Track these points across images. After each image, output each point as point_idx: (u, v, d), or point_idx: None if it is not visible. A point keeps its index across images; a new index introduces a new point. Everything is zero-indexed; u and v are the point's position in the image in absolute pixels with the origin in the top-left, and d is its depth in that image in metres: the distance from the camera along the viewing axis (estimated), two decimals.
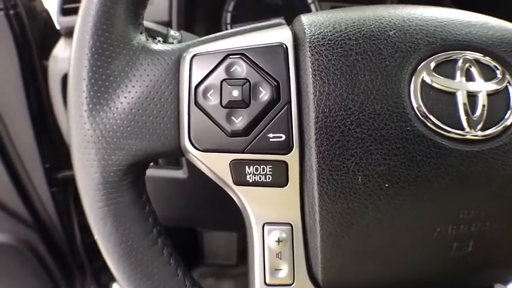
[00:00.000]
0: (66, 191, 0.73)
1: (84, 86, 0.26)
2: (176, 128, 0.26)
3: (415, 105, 0.26)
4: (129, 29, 0.27)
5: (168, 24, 0.50)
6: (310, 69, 0.26)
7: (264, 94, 0.26)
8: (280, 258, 0.27)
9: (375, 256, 0.27)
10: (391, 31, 0.27)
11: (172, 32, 0.38)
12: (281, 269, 0.28)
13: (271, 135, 0.26)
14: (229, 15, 0.61)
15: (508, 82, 0.27)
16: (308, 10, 0.61)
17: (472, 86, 0.27)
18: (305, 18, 0.28)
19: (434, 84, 0.26)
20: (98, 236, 0.27)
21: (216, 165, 0.26)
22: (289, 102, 0.26)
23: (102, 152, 0.26)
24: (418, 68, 0.27)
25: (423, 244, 0.27)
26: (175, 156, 0.27)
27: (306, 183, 0.26)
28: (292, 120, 0.26)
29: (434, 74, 0.27)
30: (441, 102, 0.26)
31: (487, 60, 0.28)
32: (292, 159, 0.26)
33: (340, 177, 0.26)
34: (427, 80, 0.26)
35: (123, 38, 0.27)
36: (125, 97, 0.26)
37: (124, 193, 0.27)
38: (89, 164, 0.26)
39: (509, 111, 0.27)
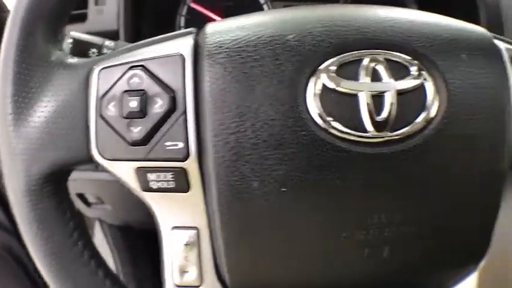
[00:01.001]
0: None
1: (8, 102, 0.28)
2: (85, 139, 0.28)
3: (313, 109, 0.26)
4: (48, 46, 0.29)
5: (116, 33, 0.52)
6: (207, 78, 0.26)
7: (161, 104, 0.27)
8: (188, 261, 0.29)
9: (279, 259, 0.28)
10: (290, 35, 0.27)
11: (107, 43, 0.39)
12: (188, 272, 0.29)
13: (168, 143, 0.27)
14: (183, 19, 0.62)
15: (424, 79, 0.27)
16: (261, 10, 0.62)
17: (377, 86, 0.26)
18: (210, 27, 0.29)
19: (335, 87, 0.26)
20: (26, 239, 0.29)
21: (122, 173, 0.28)
22: (185, 112, 0.27)
23: (25, 163, 0.28)
24: (318, 71, 0.26)
25: (329, 249, 0.28)
26: (89, 164, 0.29)
27: (206, 188, 0.27)
28: (189, 128, 0.27)
29: (335, 76, 0.26)
30: (343, 105, 0.26)
31: (399, 57, 0.27)
32: (190, 165, 0.27)
33: (236, 183, 0.26)
34: (328, 83, 0.26)
35: (43, 55, 0.29)
36: (42, 111, 0.28)
37: (46, 200, 0.28)
38: (15, 174, 0.28)
39: (425, 111, 0.26)
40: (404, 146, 0.26)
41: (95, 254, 0.30)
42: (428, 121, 0.26)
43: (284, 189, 0.26)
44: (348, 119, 0.26)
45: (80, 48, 0.37)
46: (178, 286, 0.29)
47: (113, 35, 0.50)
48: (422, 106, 0.26)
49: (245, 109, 0.26)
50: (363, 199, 0.27)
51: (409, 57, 0.27)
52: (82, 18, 0.53)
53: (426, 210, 0.27)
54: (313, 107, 0.26)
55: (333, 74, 0.26)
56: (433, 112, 0.26)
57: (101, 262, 0.30)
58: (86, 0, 0.53)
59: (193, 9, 0.62)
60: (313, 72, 0.26)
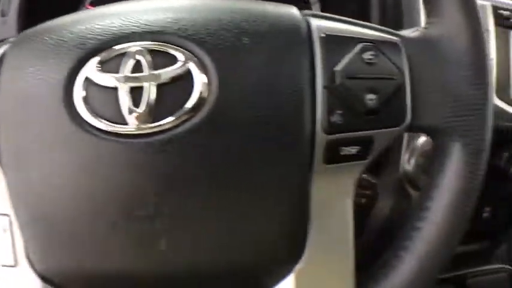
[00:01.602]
0: None
1: None
2: None
3: (75, 104, 0.26)
4: None
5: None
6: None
7: None
8: (5, 245, 0.30)
9: (68, 246, 0.29)
10: (65, 30, 0.28)
11: None
12: (5, 254, 0.30)
13: None
14: None
15: (190, 69, 0.26)
16: None
17: (136, 78, 0.26)
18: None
19: (97, 81, 0.26)
20: None
21: None
22: None
23: None
24: (83, 67, 0.27)
25: (105, 237, 0.28)
26: None
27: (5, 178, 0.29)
28: None
29: (98, 70, 0.26)
30: (104, 99, 0.26)
31: (164, 46, 0.27)
32: None
33: (16, 175, 0.28)
34: (91, 77, 0.26)
35: None
36: None
37: None
38: None
39: (189, 101, 0.26)
40: (170, 136, 0.26)
41: None
42: (196, 110, 0.26)
43: (59, 182, 0.27)
44: (110, 112, 0.26)
45: None
46: (3, 265, 0.31)
47: None
48: (187, 95, 0.26)
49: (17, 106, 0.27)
50: (125, 190, 0.27)
51: (176, 46, 0.27)
52: None
53: (201, 202, 0.27)
54: (80, 103, 0.26)
55: (97, 69, 0.27)
56: (201, 100, 0.27)
57: None
58: None
59: None
60: (78, 67, 0.27)
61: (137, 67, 0.27)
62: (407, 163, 0.62)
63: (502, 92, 0.59)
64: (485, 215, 0.87)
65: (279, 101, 0.28)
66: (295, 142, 0.29)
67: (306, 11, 0.32)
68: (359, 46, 0.30)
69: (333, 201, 0.32)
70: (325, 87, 0.29)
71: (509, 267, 0.96)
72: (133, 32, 0.27)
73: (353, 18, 0.33)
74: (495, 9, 0.56)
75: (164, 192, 0.27)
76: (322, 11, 0.59)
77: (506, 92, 0.60)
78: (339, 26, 0.32)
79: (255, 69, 0.28)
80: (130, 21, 0.28)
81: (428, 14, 0.34)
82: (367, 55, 0.30)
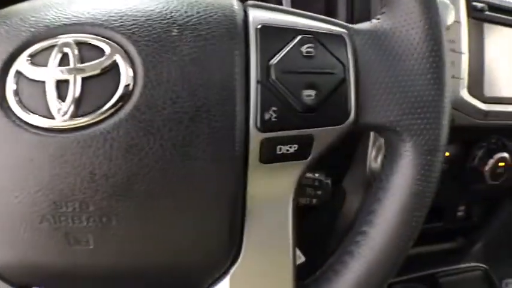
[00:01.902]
0: None
1: None
2: None
3: (7, 97, 0.26)
4: None
5: None
6: None
7: None
8: None
9: (7, 238, 0.28)
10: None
11: None
12: None
13: None
14: None
15: (116, 62, 0.25)
16: None
17: (63, 72, 0.25)
18: None
19: (27, 75, 0.26)
20: None
21: None
22: None
23: None
24: (15, 59, 0.26)
25: (37, 232, 0.27)
26: None
27: None
28: None
29: (29, 63, 0.26)
30: (33, 92, 0.26)
31: (92, 39, 0.26)
32: None
33: None
34: (22, 70, 0.26)
35: None
36: None
37: None
38: None
39: (115, 95, 0.25)
40: (94, 132, 0.25)
41: None
42: (121, 104, 0.25)
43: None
44: (39, 106, 0.25)
45: None
46: None
47: None
48: (114, 90, 0.25)
49: None
50: (49, 185, 0.26)
51: (104, 38, 0.26)
52: None
53: (128, 200, 0.26)
54: (11, 97, 0.26)
55: (28, 62, 0.26)
56: (126, 94, 0.25)
57: None
58: None
59: None
60: (10, 60, 0.26)
61: (66, 60, 0.26)
62: (374, 160, 0.60)
63: (475, 88, 0.57)
64: (459, 213, 0.86)
65: (207, 96, 0.26)
66: (226, 140, 0.27)
67: (249, 2, 0.30)
68: (298, 38, 0.28)
69: (272, 202, 0.29)
70: (259, 82, 0.27)
71: (484, 265, 0.96)
72: (64, 24, 0.26)
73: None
74: (468, 0, 0.53)
75: (89, 190, 0.26)
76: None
77: (479, 88, 0.57)
78: (277, 16, 0.29)
79: (183, 63, 0.26)
80: (62, 13, 0.27)
81: (382, 2, 0.31)
82: (305, 48, 0.28)
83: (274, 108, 0.27)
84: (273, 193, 0.29)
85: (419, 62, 0.29)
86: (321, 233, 0.71)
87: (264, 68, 0.27)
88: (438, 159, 0.30)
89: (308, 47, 0.28)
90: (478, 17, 0.54)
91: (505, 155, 0.67)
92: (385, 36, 0.29)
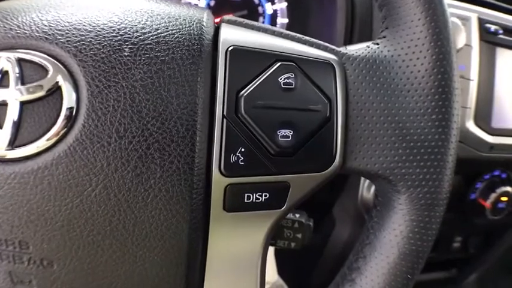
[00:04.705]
0: None
1: None
2: None
3: None
4: None
5: None
6: None
7: None
8: None
9: None
10: None
11: None
12: None
13: None
14: None
15: (59, 84, 0.22)
16: None
17: (3, 94, 0.21)
18: None
19: None
20: None
21: None
22: None
23: None
24: None
25: None
26: None
27: None
28: None
29: None
30: None
31: (36, 56, 0.22)
32: None
33: None
34: None
35: None
36: None
37: None
38: None
39: (56, 124, 0.21)
40: (32, 166, 0.22)
41: None
42: (62, 134, 0.22)
43: None
44: None
45: None
46: None
47: None
48: (57, 116, 0.22)
49: None
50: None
51: (48, 56, 0.22)
52: None
53: (70, 242, 0.22)
54: None
55: None
56: (68, 123, 0.22)
57: None
58: None
59: None
60: None
61: (6, 80, 0.22)
62: (367, 190, 0.55)
63: (482, 119, 0.51)
64: (455, 244, 0.81)
65: (161, 132, 0.22)
66: (183, 185, 0.22)
67: (225, 17, 0.25)
68: (276, 66, 0.23)
69: (236, 260, 0.25)
70: (225, 117, 0.22)
71: None
72: (7, 37, 0.23)
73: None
74: (481, 22, 0.48)
75: (27, 229, 0.22)
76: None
77: (486, 119, 0.52)
78: (253, 36, 0.24)
79: (134, 89, 0.22)
80: (7, 24, 0.23)
81: (383, 24, 0.26)
82: (284, 78, 0.22)
83: (242, 150, 0.23)
84: (238, 248, 0.24)
85: (423, 99, 0.24)
86: (308, 257, 0.66)
87: (233, 101, 0.23)
88: (437, 215, 0.25)
89: (287, 77, 0.22)
90: (490, 41, 0.49)
91: (509, 189, 0.62)
92: (384, 66, 0.24)
